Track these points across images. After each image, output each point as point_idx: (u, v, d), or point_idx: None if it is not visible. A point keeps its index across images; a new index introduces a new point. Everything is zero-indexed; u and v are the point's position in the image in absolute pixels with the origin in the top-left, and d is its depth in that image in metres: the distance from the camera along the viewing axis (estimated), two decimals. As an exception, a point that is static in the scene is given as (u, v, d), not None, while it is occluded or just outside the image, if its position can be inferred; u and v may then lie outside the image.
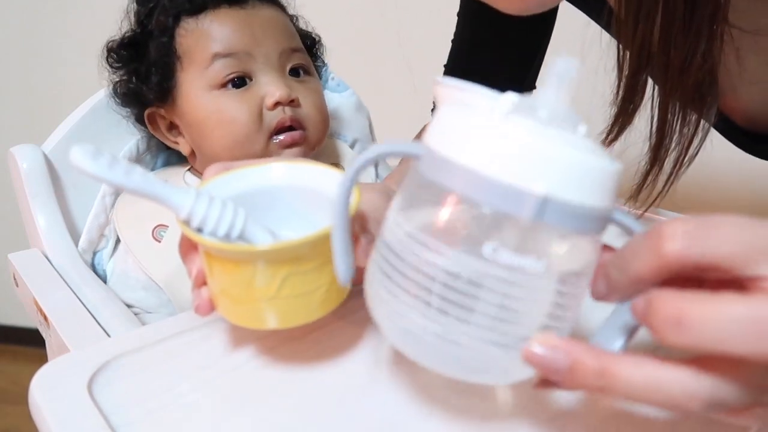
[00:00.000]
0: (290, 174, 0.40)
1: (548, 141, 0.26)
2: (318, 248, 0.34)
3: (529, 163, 0.25)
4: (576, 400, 0.37)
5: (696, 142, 0.48)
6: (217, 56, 0.61)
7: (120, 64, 0.66)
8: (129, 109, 0.67)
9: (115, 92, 0.67)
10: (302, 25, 0.72)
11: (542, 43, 0.70)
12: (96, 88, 0.69)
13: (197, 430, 0.35)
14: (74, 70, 1.38)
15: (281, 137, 0.61)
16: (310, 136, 0.63)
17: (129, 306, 0.61)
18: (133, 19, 0.66)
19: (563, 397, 0.37)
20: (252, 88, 0.61)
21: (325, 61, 0.76)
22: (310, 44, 0.72)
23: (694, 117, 0.47)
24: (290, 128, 0.61)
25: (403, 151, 0.30)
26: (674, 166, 0.49)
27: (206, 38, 0.62)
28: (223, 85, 0.61)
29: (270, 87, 0.60)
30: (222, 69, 0.60)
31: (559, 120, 0.27)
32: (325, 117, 0.65)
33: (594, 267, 0.29)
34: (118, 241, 0.66)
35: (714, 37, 0.43)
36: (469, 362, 0.29)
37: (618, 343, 0.30)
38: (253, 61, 0.61)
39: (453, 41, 0.72)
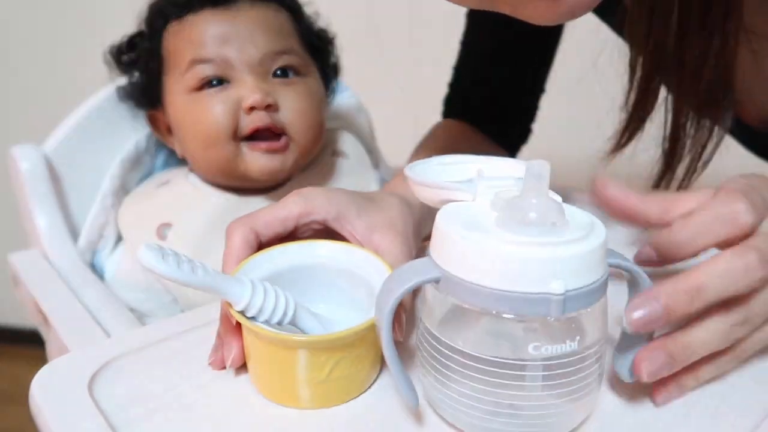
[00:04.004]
0: (331, 253, 0.41)
1: (550, 248, 0.30)
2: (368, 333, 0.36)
3: (544, 271, 0.29)
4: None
5: (710, 147, 0.47)
6: (193, 62, 0.59)
7: (121, 66, 0.66)
8: (137, 108, 0.67)
9: (123, 92, 0.67)
10: (318, 22, 0.69)
11: (553, 43, 0.69)
12: (96, 88, 0.69)
13: (197, 430, 0.35)
14: (74, 70, 1.38)
15: (257, 143, 0.59)
16: (295, 143, 0.60)
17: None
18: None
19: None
20: (228, 89, 0.59)
21: (339, 66, 0.71)
22: (320, 44, 0.68)
23: (708, 121, 0.47)
24: (270, 133, 0.59)
25: (426, 279, 0.32)
26: (687, 172, 0.48)
27: (185, 42, 0.60)
28: (200, 88, 0.59)
29: (246, 90, 0.58)
30: (198, 74, 0.59)
31: (547, 214, 0.31)
32: (312, 122, 0.62)
33: (606, 314, 0.33)
34: (117, 241, 0.66)
35: (728, 35, 0.43)
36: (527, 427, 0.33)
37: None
38: (230, 68, 0.59)
39: (462, 43, 0.72)
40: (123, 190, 0.68)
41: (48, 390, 0.36)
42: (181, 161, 0.69)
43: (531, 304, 0.30)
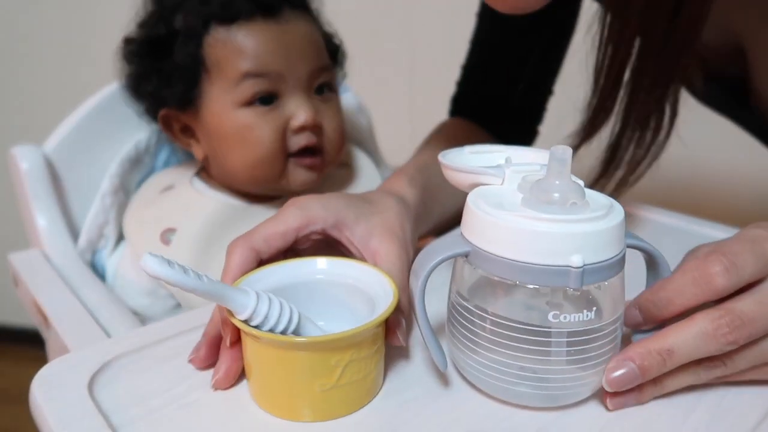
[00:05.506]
0: (329, 269, 0.41)
1: (571, 224, 0.32)
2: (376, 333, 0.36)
3: (564, 246, 0.32)
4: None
5: (644, 165, 0.51)
6: (248, 75, 0.58)
7: (139, 59, 0.63)
8: (141, 104, 0.64)
9: (129, 86, 0.64)
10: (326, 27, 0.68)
11: (562, 45, 0.69)
12: (96, 88, 0.69)
13: (197, 430, 0.35)
14: (74, 70, 1.39)
15: (302, 158, 0.61)
16: (327, 160, 0.63)
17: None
18: (150, 9, 0.62)
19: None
20: (278, 108, 0.59)
21: (345, 70, 0.71)
22: (332, 50, 0.67)
23: (648, 140, 0.51)
24: (311, 150, 0.61)
25: (457, 253, 0.35)
26: (619, 183, 0.52)
27: (238, 54, 0.59)
28: (250, 103, 0.59)
29: (297, 109, 0.59)
30: (251, 87, 0.58)
31: (568, 195, 0.33)
32: (343, 138, 0.65)
33: (624, 291, 0.35)
34: (118, 240, 0.66)
35: (684, 66, 0.47)
36: (548, 392, 0.35)
37: None
38: (283, 82, 0.59)
39: (471, 42, 0.72)
40: (123, 189, 0.68)
41: (48, 390, 0.36)
42: (183, 160, 0.69)
43: (552, 276, 0.32)
